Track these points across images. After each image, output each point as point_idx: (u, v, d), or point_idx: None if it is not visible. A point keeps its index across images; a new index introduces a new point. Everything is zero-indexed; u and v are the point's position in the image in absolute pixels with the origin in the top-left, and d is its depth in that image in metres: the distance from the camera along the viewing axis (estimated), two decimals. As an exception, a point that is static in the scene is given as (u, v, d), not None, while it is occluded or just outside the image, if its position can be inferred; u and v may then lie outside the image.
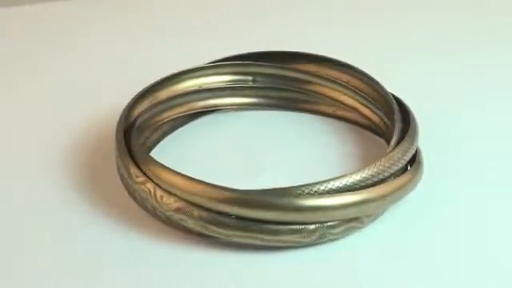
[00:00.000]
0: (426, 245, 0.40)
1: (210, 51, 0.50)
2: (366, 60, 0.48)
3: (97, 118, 0.49)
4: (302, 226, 0.39)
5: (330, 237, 0.39)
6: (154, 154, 0.45)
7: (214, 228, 0.39)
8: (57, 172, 0.44)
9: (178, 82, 0.47)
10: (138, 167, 0.40)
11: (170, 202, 0.39)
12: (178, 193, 0.39)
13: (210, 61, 0.48)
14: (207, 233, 0.39)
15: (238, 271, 0.38)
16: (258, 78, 0.49)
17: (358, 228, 0.40)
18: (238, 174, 0.44)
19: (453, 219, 0.41)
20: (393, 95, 0.45)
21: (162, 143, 0.47)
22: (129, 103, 0.44)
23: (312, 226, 0.39)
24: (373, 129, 0.47)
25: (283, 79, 0.49)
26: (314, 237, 0.39)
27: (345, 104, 0.48)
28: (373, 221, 0.41)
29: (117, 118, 0.43)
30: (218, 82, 0.48)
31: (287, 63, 0.49)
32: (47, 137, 0.48)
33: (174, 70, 0.47)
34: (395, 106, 0.44)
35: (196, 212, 0.39)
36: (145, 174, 0.40)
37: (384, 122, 0.46)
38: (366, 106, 0.47)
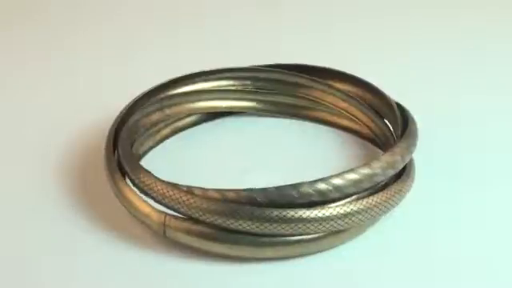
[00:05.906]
0: (423, 251, 0.39)
1: (205, 61, 0.49)
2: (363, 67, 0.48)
3: (88, 128, 0.49)
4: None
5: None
6: (145, 161, 0.45)
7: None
8: (48, 183, 0.44)
9: (173, 88, 0.47)
10: (128, 176, 0.40)
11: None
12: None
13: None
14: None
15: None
16: (258, 83, 0.48)
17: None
18: (228, 177, 0.43)
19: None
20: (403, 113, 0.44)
21: (154, 150, 0.46)
22: (120, 112, 0.44)
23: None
24: (375, 141, 0.46)
25: (283, 84, 0.48)
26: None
27: (348, 113, 0.47)
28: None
29: (108, 126, 0.43)
30: (218, 87, 0.48)
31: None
32: (37, 148, 0.47)
33: (169, 77, 0.47)
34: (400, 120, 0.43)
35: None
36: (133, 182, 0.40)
37: (387, 136, 0.44)
38: (370, 119, 0.46)
